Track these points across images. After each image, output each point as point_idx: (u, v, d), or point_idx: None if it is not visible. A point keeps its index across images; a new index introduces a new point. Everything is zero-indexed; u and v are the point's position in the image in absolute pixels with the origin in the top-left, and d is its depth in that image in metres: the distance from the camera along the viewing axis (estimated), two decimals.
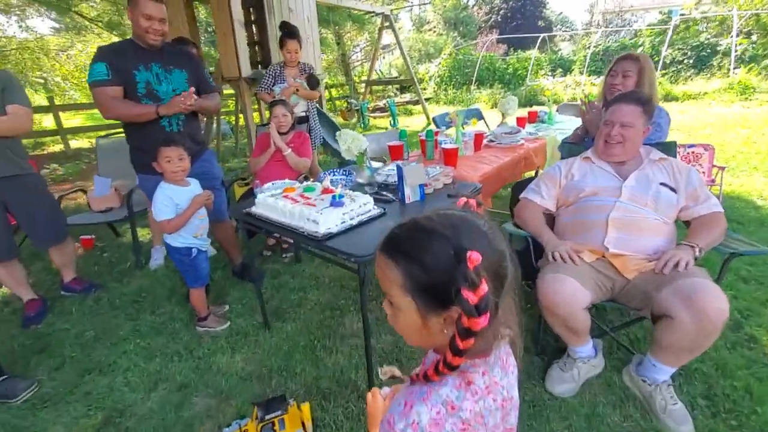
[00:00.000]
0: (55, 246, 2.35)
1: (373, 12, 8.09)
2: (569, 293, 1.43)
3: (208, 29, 9.88)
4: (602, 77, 2.23)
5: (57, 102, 7.47)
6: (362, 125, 8.88)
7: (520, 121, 3.43)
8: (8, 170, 2.05)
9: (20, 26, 9.69)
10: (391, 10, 8.80)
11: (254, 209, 1.71)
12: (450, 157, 2.19)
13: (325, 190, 1.71)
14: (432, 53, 15.87)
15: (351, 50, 14.46)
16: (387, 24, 8.42)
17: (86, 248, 3.21)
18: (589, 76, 11.31)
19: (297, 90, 3.16)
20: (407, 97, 12.85)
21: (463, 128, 2.94)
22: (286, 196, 1.68)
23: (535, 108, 4.47)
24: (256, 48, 6.16)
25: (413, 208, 1.73)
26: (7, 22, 9.27)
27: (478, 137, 2.59)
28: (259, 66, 5.62)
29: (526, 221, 1.78)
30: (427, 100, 12.29)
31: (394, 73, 15.36)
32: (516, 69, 13.14)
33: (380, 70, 14.05)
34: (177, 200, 1.89)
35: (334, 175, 2.08)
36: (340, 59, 13.07)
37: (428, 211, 0.60)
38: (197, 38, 5.28)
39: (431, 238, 0.55)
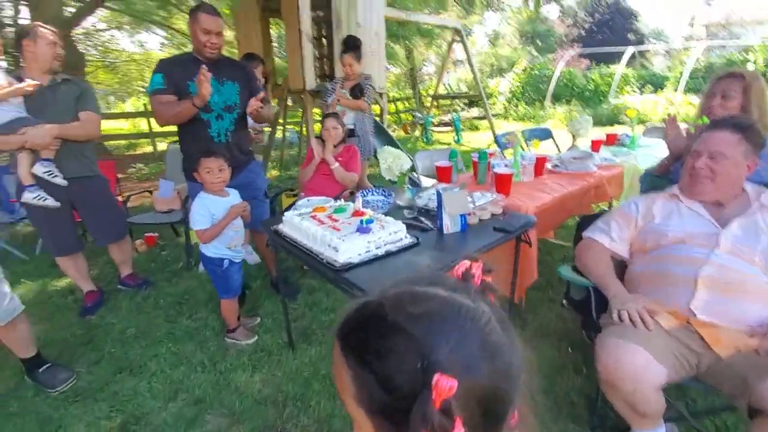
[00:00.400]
0: (114, 243, 2.51)
1: (444, 26, 7.98)
2: (637, 367, 1.14)
3: None
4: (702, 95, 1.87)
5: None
6: (425, 139, 8.74)
7: (595, 144, 3.05)
8: (78, 171, 2.21)
9: (132, 42, 11.17)
10: (464, 24, 8.63)
11: (281, 227, 1.63)
12: (502, 184, 1.95)
13: (356, 213, 1.58)
14: (504, 68, 15.34)
15: (421, 64, 14.49)
16: (458, 38, 8.25)
17: (149, 245, 3.43)
18: (686, 94, 10.07)
19: (339, 100, 3.18)
20: (475, 112, 12.51)
21: (527, 149, 2.68)
22: (313, 216, 1.58)
23: (616, 129, 3.99)
24: (325, 61, 6.36)
25: (452, 240, 1.54)
26: (120, 36, 10.72)
27: (540, 161, 2.31)
28: (327, 79, 5.79)
29: (588, 266, 1.50)
30: (495, 116, 11.87)
31: (464, 88, 15.08)
32: (598, 85, 12.18)
33: (448, 85, 13.86)
34: (213, 210, 1.89)
35: (372, 194, 1.96)
36: (409, 73, 13.12)
37: (404, 281, 0.43)
38: (270, 52, 5.57)
39: (392, 337, 0.37)
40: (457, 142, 8.64)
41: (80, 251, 2.41)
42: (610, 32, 20.60)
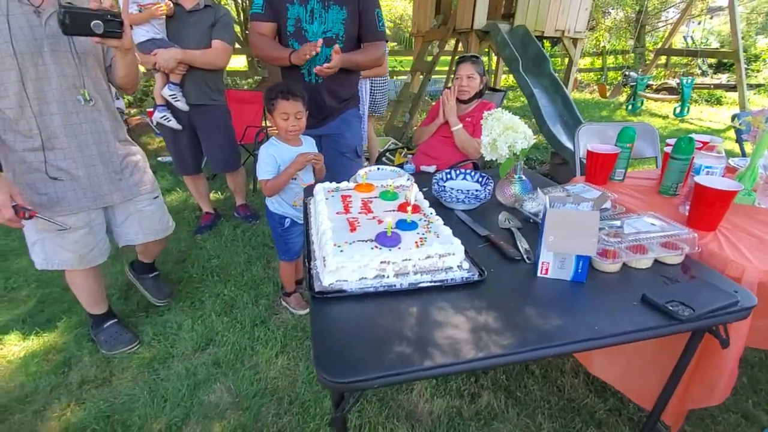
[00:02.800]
0: (228, 172, 2.59)
1: None
2: None
3: None
4: None
5: None
6: (629, 107, 6.76)
7: None
8: (200, 99, 2.24)
9: None
10: None
11: (310, 202, 1.22)
12: (707, 208, 1.03)
13: (402, 206, 1.03)
14: None
15: (658, 8, 11.02)
16: None
17: None
18: None
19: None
20: (723, 78, 9.02)
21: None
22: (345, 197, 1.10)
23: None
24: None
25: (544, 295, 0.85)
26: None
27: None
28: (511, 18, 4.82)
29: None
30: (756, 87, 8.34)
31: (715, 45, 10.98)
32: None
33: (691, 38, 10.21)
34: (280, 160, 1.61)
35: (462, 177, 1.33)
36: (634, 18, 10.17)
37: None
38: None
39: None
40: (679, 116, 6.38)
41: (200, 173, 2.56)
42: None
